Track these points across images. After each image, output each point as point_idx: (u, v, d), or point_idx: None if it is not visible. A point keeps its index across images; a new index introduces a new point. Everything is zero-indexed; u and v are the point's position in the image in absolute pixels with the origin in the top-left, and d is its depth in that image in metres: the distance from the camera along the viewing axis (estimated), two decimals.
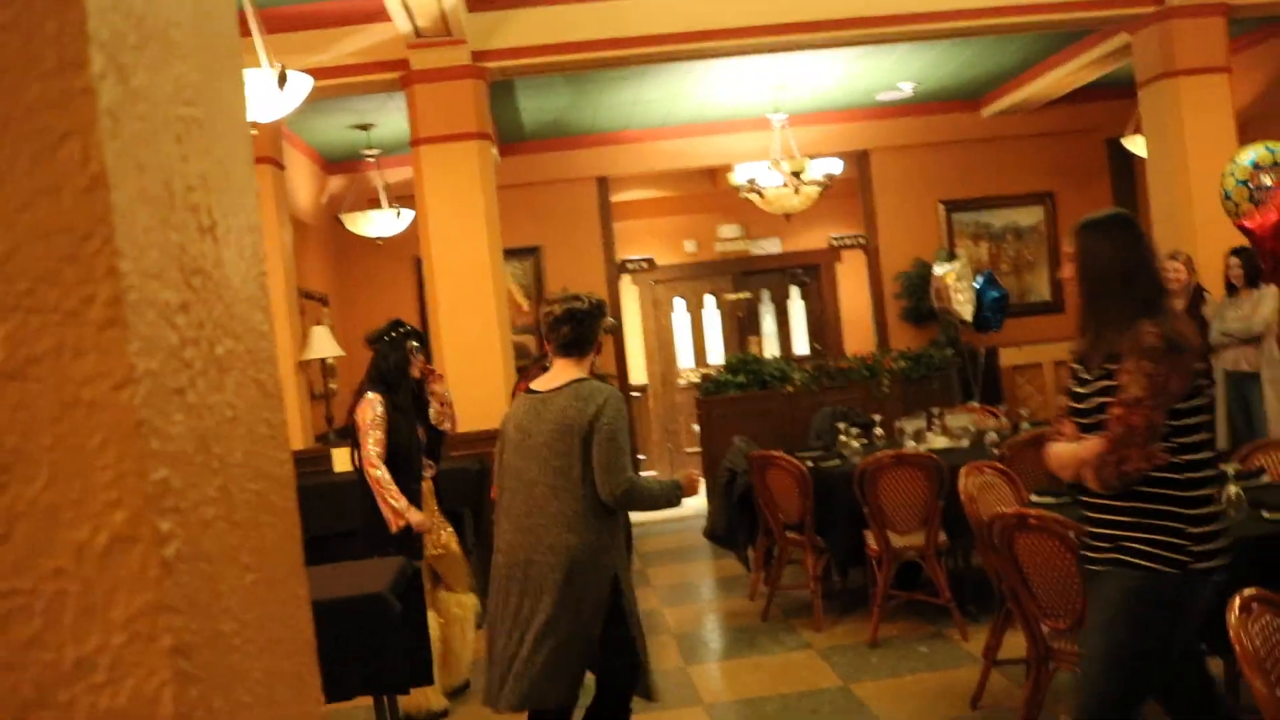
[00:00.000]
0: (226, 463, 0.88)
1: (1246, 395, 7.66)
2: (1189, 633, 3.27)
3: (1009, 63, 10.78)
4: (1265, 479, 4.79)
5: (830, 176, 10.07)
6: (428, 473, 5.70)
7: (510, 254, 8.89)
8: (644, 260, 13.49)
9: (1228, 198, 7.83)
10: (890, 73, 10.64)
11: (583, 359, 4.11)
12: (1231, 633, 2.55)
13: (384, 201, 10.27)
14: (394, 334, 5.55)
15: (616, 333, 11.78)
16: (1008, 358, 11.48)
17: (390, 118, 9.64)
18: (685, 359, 13.89)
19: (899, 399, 9.90)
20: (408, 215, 10.04)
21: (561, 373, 4.09)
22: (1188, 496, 3.16)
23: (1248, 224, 7.16)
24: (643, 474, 7.22)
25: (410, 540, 5.33)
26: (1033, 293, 12.75)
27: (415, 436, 5.55)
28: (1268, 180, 7.59)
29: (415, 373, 5.57)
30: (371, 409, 5.34)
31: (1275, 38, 10.18)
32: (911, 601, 6.60)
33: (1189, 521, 3.15)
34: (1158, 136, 9.15)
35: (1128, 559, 3.18)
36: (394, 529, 5.28)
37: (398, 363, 5.48)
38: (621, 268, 12.98)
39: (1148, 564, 3.16)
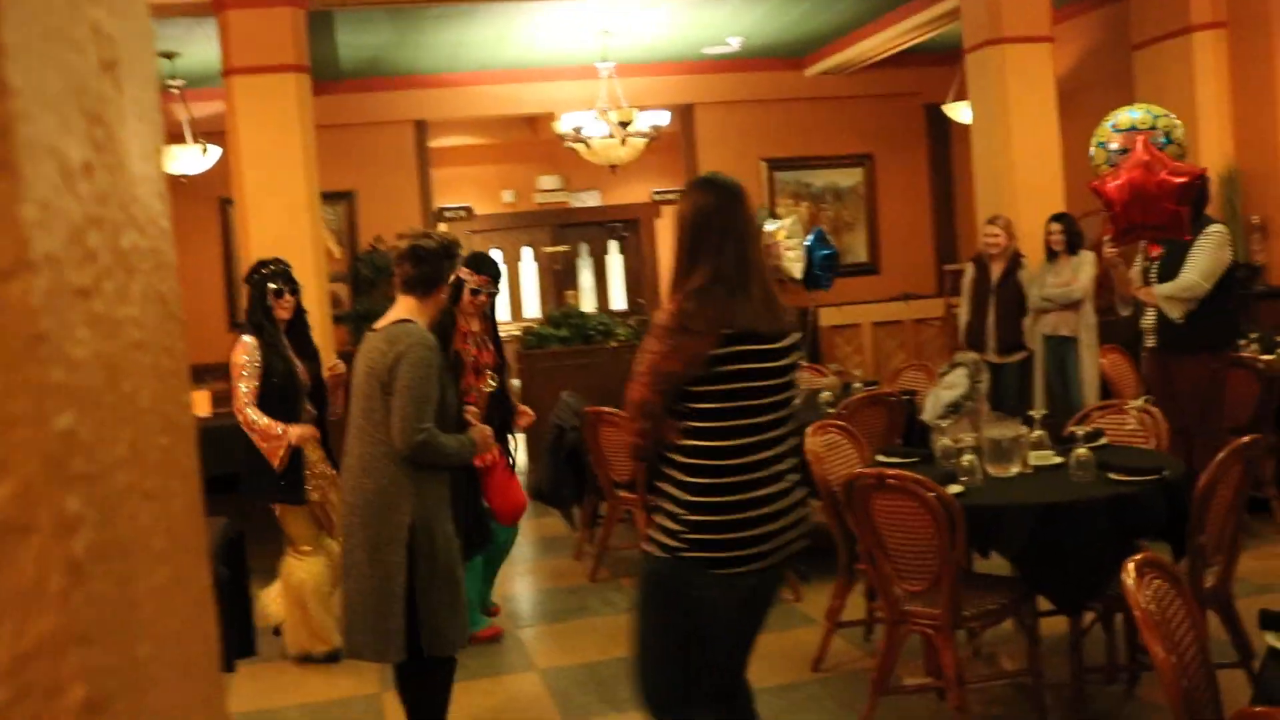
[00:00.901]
0: (137, 407, 0.60)
1: (1064, 359, 7.82)
2: (702, 626, 3.08)
3: (838, 21, 10.76)
4: (1104, 440, 4.81)
5: (657, 129, 9.89)
6: (307, 417, 5.39)
7: (323, 199, 8.41)
8: (462, 209, 13.11)
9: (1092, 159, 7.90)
10: (719, 26, 10.50)
11: (424, 299, 3.95)
12: (1130, 598, 2.46)
13: (188, 137, 9.62)
14: (255, 274, 5.40)
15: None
16: (826, 318, 11.52)
17: (197, 46, 9.00)
18: (501, 312, 13.57)
19: None
20: (215, 152, 9.43)
21: (395, 311, 3.96)
22: (688, 482, 3.00)
23: (1100, 187, 7.24)
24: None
25: (296, 482, 5.18)
26: (851, 253, 12.87)
27: (294, 379, 5.29)
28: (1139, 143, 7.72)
29: (281, 313, 5.32)
30: (241, 352, 5.22)
31: (1094, 10, 10.43)
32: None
33: (686, 508, 3.00)
34: (982, 103, 9.25)
35: (647, 538, 3.13)
36: (277, 462, 5.13)
37: (258, 303, 5.30)
38: (439, 216, 12.56)
39: (648, 546, 3.10)
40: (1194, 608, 2.62)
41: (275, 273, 5.36)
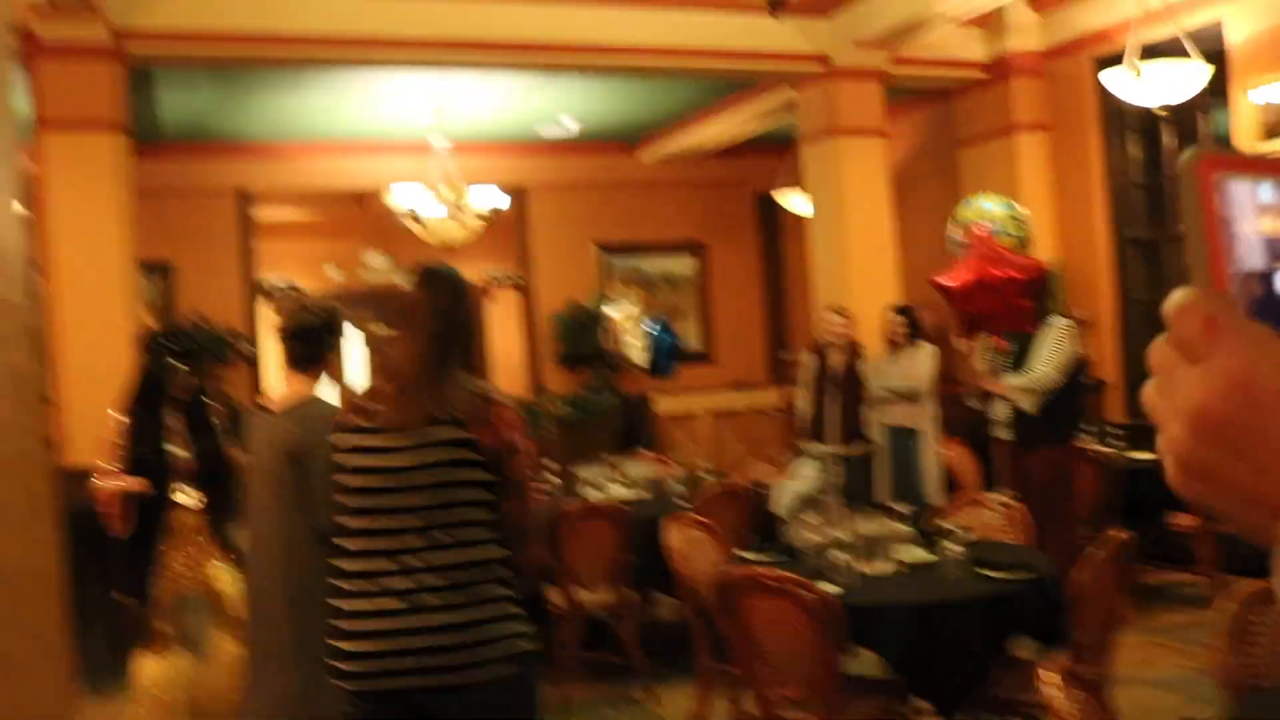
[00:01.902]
0: None
1: (906, 451, 7.83)
2: None
3: (673, 107, 10.79)
4: (972, 536, 4.73)
5: (497, 211, 9.69)
6: (189, 501, 4.87)
7: (140, 269, 7.88)
8: (291, 288, 12.59)
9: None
10: (553, 106, 10.39)
11: (313, 373, 3.79)
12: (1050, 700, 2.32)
13: None
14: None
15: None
16: (661, 406, 11.42)
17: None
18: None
19: (561, 445, 9.60)
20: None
21: (296, 387, 3.79)
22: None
23: (943, 281, 7.29)
24: None
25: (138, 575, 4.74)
26: (684, 341, 12.83)
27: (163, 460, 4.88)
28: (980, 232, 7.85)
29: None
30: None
31: (924, 107, 10.69)
32: (599, 662, 6.19)
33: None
34: (819, 192, 9.35)
35: None
36: (114, 525, 4.77)
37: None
38: (261, 291, 12.03)
39: None
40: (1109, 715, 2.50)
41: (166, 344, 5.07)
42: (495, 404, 2.93)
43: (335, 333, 3.91)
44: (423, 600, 2.69)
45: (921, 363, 7.72)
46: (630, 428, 10.73)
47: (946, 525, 4.44)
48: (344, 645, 2.72)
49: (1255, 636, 3.05)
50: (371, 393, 2.95)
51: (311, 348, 3.79)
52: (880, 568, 4.18)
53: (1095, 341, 9.13)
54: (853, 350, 8.06)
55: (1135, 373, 9.00)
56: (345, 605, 2.74)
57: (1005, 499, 5.05)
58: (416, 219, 9.48)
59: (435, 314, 2.92)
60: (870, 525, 4.30)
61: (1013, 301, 6.71)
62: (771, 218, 12.53)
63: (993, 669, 3.90)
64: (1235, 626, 3.04)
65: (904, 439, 7.90)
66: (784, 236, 12.63)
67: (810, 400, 8.19)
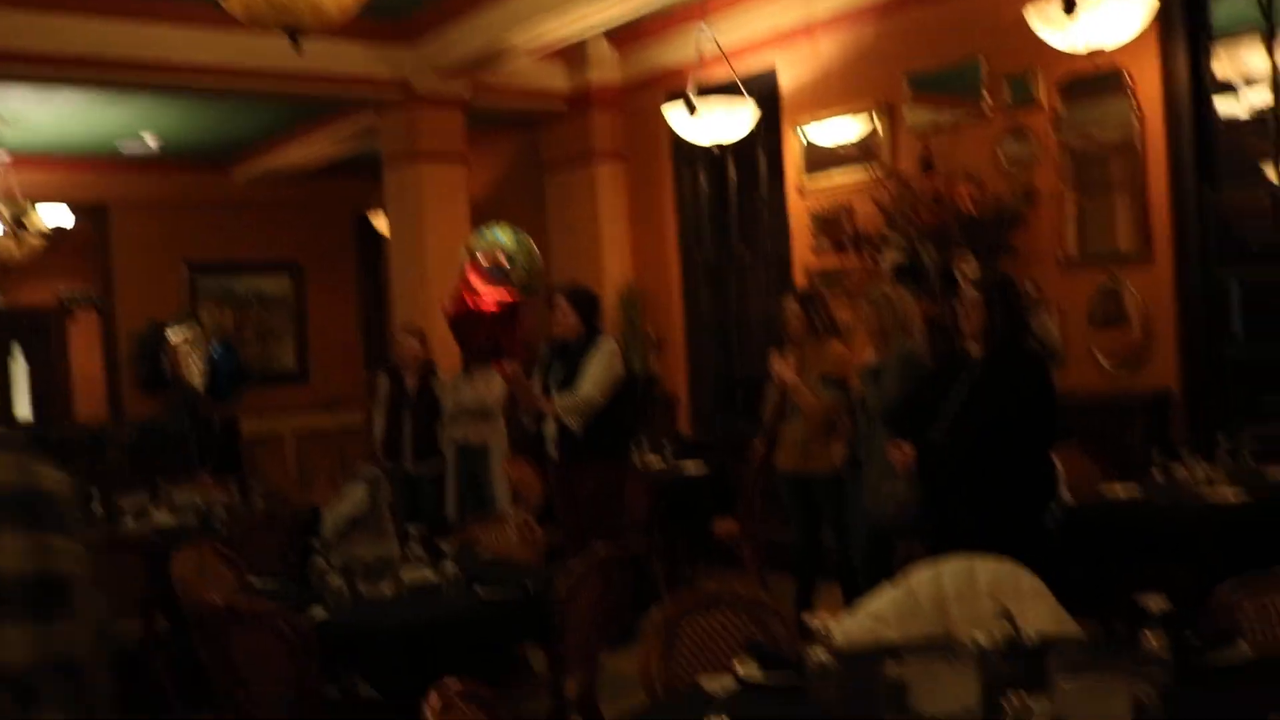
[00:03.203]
0: None
1: (476, 468, 7.90)
2: None
3: (260, 129, 10.54)
4: (484, 554, 4.83)
5: (60, 230, 9.13)
6: None
7: None
8: None
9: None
10: (131, 122, 9.91)
11: None
12: None
13: None
14: None
15: None
16: (248, 428, 11.05)
17: None
18: None
19: (129, 473, 9.13)
20: None
21: None
22: None
23: (443, 308, 7.39)
24: None
25: None
26: (277, 362, 12.54)
27: None
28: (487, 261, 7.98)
29: None
30: None
31: (510, 134, 10.87)
32: (131, 699, 5.89)
33: None
34: (399, 216, 9.35)
35: None
36: None
37: None
38: None
39: None
40: None
41: None
42: None
43: None
44: None
45: (493, 382, 7.79)
46: (205, 452, 10.34)
47: (455, 546, 4.48)
48: None
49: (683, 641, 3.24)
50: None
51: None
52: (378, 590, 4.17)
53: (667, 359, 9.55)
54: (427, 370, 8.08)
55: (702, 388, 9.48)
56: None
57: (526, 518, 5.17)
58: None
59: None
60: (374, 548, 4.29)
61: (492, 330, 6.92)
62: (370, 239, 12.43)
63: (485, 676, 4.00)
64: (664, 631, 3.21)
65: (474, 456, 7.97)
66: (383, 257, 12.56)
67: (386, 419, 8.15)
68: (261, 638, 3.67)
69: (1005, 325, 4.58)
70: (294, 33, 4.78)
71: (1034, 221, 6.93)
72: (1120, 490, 5.24)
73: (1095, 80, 6.62)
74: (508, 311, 7.56)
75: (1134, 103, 6.51)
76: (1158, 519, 4.85)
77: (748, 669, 2.83)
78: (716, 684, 2.30)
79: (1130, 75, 6.49)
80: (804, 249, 8.30)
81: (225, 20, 5.40)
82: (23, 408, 12.56)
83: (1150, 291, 6.53)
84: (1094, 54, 5.74)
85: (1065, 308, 6.87)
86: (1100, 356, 6.74)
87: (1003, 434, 4.47)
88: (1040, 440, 4.62)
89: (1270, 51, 6.25)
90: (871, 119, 7.83)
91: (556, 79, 9.73)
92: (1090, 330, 6.77)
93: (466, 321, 7.65)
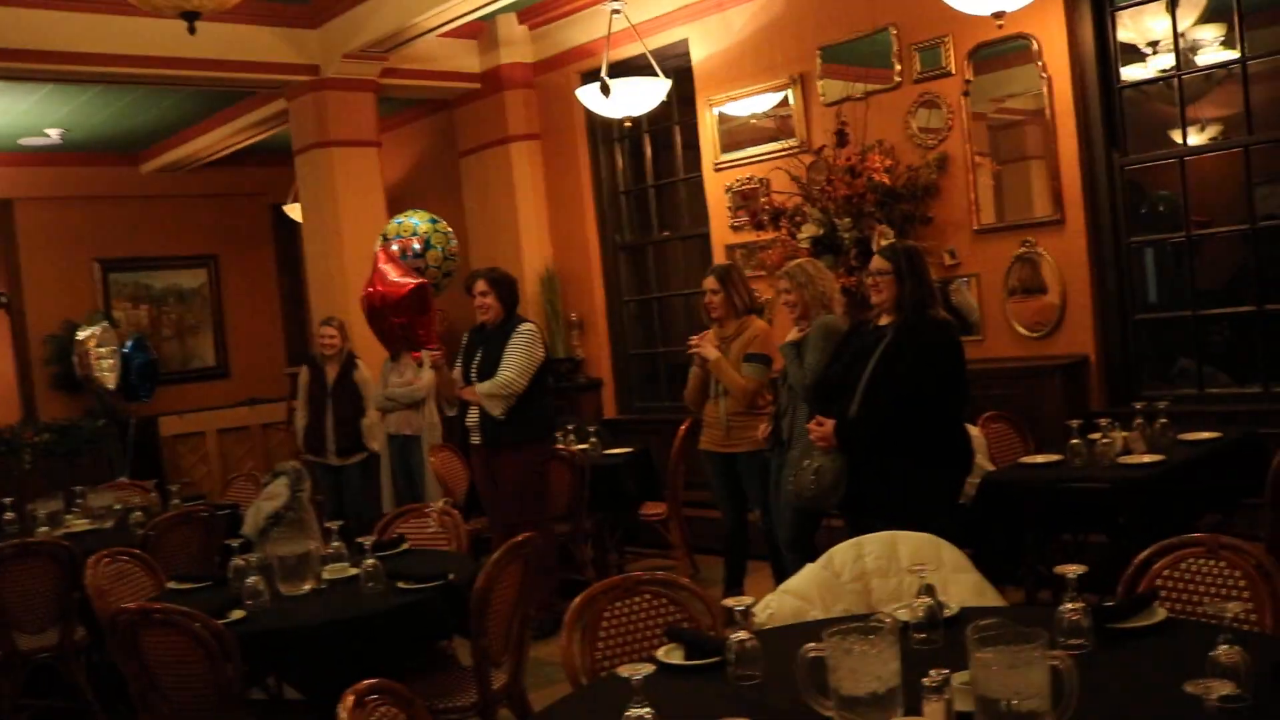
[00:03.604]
0: None
1: (409, 457, 7.83)
2: None
3: (167, 118, 10.31)
4: (405, 546, 4.76)
5: None
6: None
7: None
8: None
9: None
10: (34, 115, 9.65)
11: None
12: None
13: None
14: None
15: None
16: (169, 427, 10.87)
17: None
18: None
19: (43, 477, 8.93)
20: None
21: None
22: None
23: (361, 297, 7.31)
24: None
25: None
26: (196, 358, 12.32)
27: None
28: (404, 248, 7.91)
29: None
30: None
31: (423, 118, 10.75)
32: (51, 710, 5.76)
33: None
34: (313, 203, 9.20)
35: None
36: None
37: None
38: None
39: None
40: None
41: None
42: None
43: None
44: None
45: (424, 370, 7.72)
46: (122, 453, 10.16)
47: (374, 539, 4.41)
48: None
49: (606, 628, 3.21)
50: None
51: None
52: (298, 588, 4.10)
53: (589, 340, 9.51)
54: (348, 361, 7.98)
55: (624, 369, 9.45)
56: None
57: (444, 507, 5.10)
58: None
59: None
60: (293, 545, 4.21)
61: (392, 320, 6.85)
62: (288, 228, 12.21)
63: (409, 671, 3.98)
64: (585, 618, 3.18)
65: (407, 446, 7.89)
66: (302, 246, 12.38)
67: (308, 413, 8.04)
68: (177, 642, 3.58)
69: (914, 295, 4.57)
70: (191, 16, 4.66)
71: (949, 190, 6.97)
72: (1039, 458, 5.28)
73: (1004, 47, 6.67)
74: (422, 298, 7.49)
75: (1042, 69, 6.55)
76: (1076, 486, 4.88)
77: (670, 653, 2.81)
78: (638, 671, 2.27)
79: (1038, 41, 6.53)
80: (722, 225, 8.29)
81: (125, 6, 5.25)
82: None
83: (1065, 258, 6.59)
84: (1000, 18, 5.76)
85: (983, 276, 6.92)
86: (1018, 325, 6.80)
87: (913, 405, 4.48)
88: (952, 410, 4.63)
89: (1173, 15, 6.33)
90: (785, 92, 7.83)
91: (468, 60, 9.62)
92: (1007, 299, 6.82)
93: (381, 310, 7.58)
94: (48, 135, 10.32)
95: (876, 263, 4.69)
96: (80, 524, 6.26)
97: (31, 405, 11.18)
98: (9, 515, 6.49)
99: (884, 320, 4.68)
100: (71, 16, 7.78)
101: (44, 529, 6.06)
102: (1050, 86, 6.53)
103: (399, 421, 8.06)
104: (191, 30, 4.78)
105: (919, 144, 7.06)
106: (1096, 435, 5.10)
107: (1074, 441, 5.04)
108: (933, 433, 4.54)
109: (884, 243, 5.84)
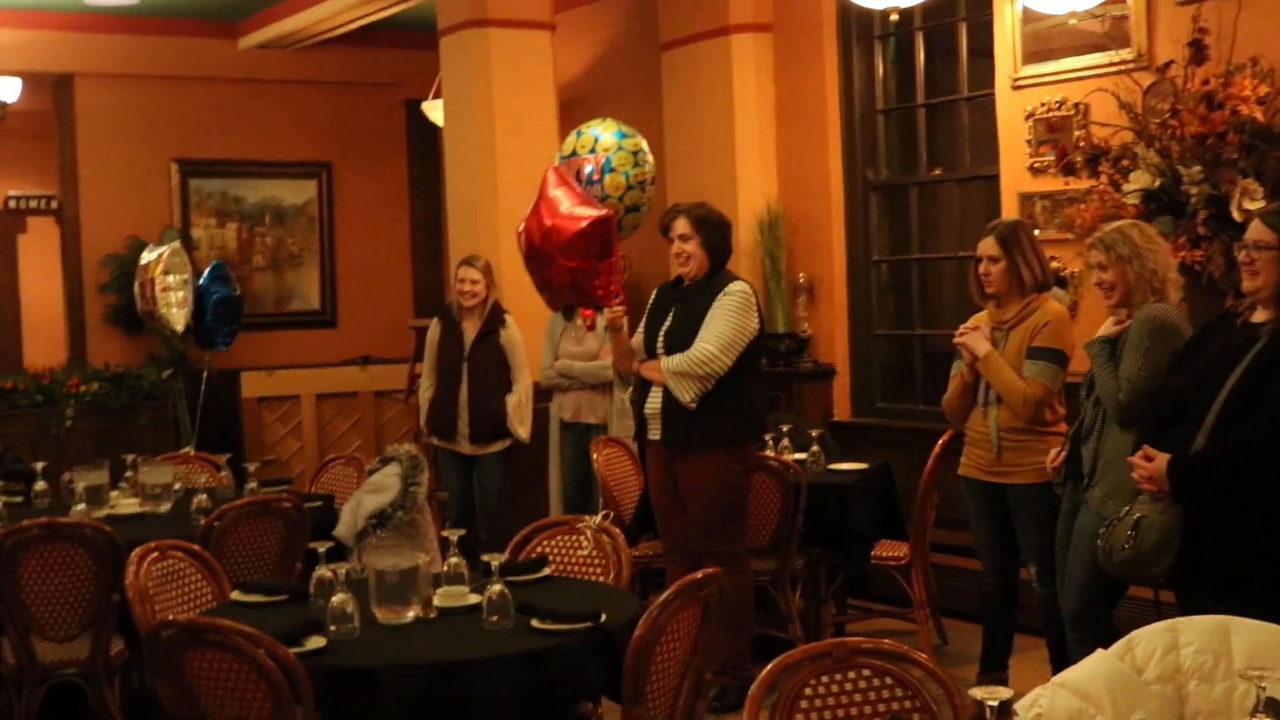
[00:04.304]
0: None
1: (586, 454, 7.97)
2: None
3: None
4: (547, 571, 4.84)
5: (4, 105, 9.36)
6: None
7: None
8: None
9: None
10: None
11: None
12: None
13: None
14: None
15: None
16: (252, 386, 11.27)
17: None
18: None
19: (89, 439, 9.38)
20: None
21: None
22: None
23: (519, 233, 7.38)
24: None
25: None
26: (295, 297, 12.73)
27: None
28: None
29: None
30: None
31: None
32: None
33: None
34: (460, 102, 9.41)
35: None
36: None
37: None
38: None
39: None
40: None
41: None
42: None
43: None
44: None
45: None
46: (190, 416, 10.58)
47: (506, 557, 4.50)
48: None
49: (805, 708, 3.20)
50: None
51: None
52: (400, 615, 4.21)
53: (820, 313, 9.47)
54: (494, 315, 8.14)
55: (865, 355, 9.38)
56: None
57: (601, 524, 5.15)
58: None
59: None
60: (398, 558, 4.33)
61: (562, 263, 6.87)
62: (426, 134, 12.49)
63: None
64: (775, 694, 3.18)
65: (586, 437, 8.03)
66: (442, 160, 12.65)
67: (436, 381, 8.24)
68: (235, 671, 3.73)
69: None
70: None
71: None
72: None
73: None
74: (604, 237, 7.56)
75: None
76: None
77: None
78: None
79: None
80: (1018, 165, 8.14)
81: None
82: None
83: None
84: None
85: None
86: None
87: None
88: None
89: None
90: None
91: None
92: None
93: (546, 250, 7.68)
94: None
95: (1257, 231, 4.48)
96: (128, 504, 6.54)
97: (81, 344, 11.73)
98: (39, 486, 6.85)
99: (1258, 316, 4.50)
100: None
101: (81, 507, 6.36)
102: None
103: (577, 405, 8.24)
104: None
105: None
106: None
107: None
108: None
109: (1246, 206, 5.65)
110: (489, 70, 9.13)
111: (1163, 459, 4.45)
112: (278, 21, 11.55)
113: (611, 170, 8.23)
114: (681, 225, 6.44)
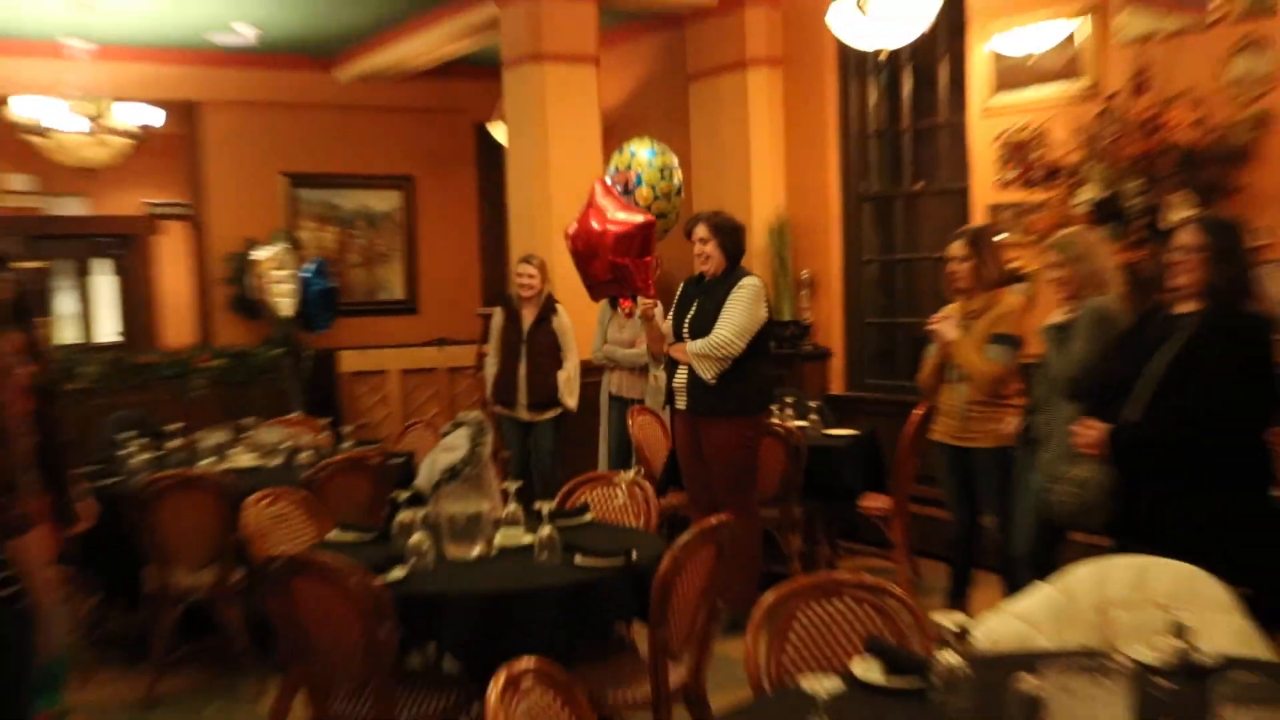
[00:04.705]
0: None
1: (627, 422, 8.01)
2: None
3: (366, 20, 10.67)
4: (589, 517, 4.90)
5: (146, 128, 9.42)
6: None
7: None
8: None
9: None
10: (224, 9, 10.13)
11: None
12: (489, 713, 2.43)
13: None
14: None
15: None
16: (348, 362, 11.35)
17: None
18: None
19: (215, 405, 9.47)
20: None
21: None
22: None
23: (567, 235, 7.41)
24: None
25: None
26: (383, 289, 12.79)
27: None
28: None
29: None
30: None
31: (648, 35, 10.83)
32: (204, 651, 6.16)
33: None
34: (520, 124, 9.42)
35: None
36: None
37: None
38: None
39: None
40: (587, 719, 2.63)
41: None
42: None
43: None
44: None
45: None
46: (300, 386, 10.66)
47: (554, 505, 4.56)
48: None
49: (797, 630, 3.25)
50: None
51: None
52: (466, 552, 4.27)
53: (820, 303, 9.48)
54: (547, 305, 8.19)
55: (857, 339, 9.39)
56: None
57: (634, 478, 5.21)
58: (43, 134, 9.13)
59: None
60: (465, 504, 4.39)
61: (609, 260, 6.91)
62: (494, 151, 12.51)
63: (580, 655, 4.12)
64: (775, 617, 3.23)
65: (627, 410, 8.06)
66: (506, 171, 12.68)
67: (500, 360, 8.29)
68: (330, 596, 3.80)
69: (1228, 281, 4.30)
70: None
71: (1268, 155, 6.65)
72: None
73: None
74: (647, 238, 7.59)
75: None
76: None
77: (866, 668, 2.83)
78: (823, 684, 2.31)
79: None
80: (987, 180, 8.13)
81: None
82: (109, 327, 12.98)
83: None
84: None
85: None
86: None
87: (1212, 415, 4.21)
88: (1256, 425, 4.34)
89: None
90: (1076, 23, 7.59)
91: None
92: None
93: (598, 248, 7.71)
94: (237, 32, 10.81)
95: (1185, 236, 4.38)
96: (246, 459, 6.63)
97: (207, 328, 11.84)
98: (174, 444, 6.95)
99: (1183, 308, 4.40)
100: None
101: (208, 461, 6.45)
102: None
103: (620, 382, 8.30)
104: None
105: (1234, 97, 6.77)
106: None
107: None
108: (1230, 450, 4.27)
109: (1176, 215, 5.65)
110: (544, 97, 9.15)
111: (1104, 428, 4.40)
112: (369, 57, 11.60)
113: (640, 184, 8.29)
114: (702, 230, 6.48)
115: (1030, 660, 2.64)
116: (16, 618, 3.15)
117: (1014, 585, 5.50)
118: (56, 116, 9.17)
